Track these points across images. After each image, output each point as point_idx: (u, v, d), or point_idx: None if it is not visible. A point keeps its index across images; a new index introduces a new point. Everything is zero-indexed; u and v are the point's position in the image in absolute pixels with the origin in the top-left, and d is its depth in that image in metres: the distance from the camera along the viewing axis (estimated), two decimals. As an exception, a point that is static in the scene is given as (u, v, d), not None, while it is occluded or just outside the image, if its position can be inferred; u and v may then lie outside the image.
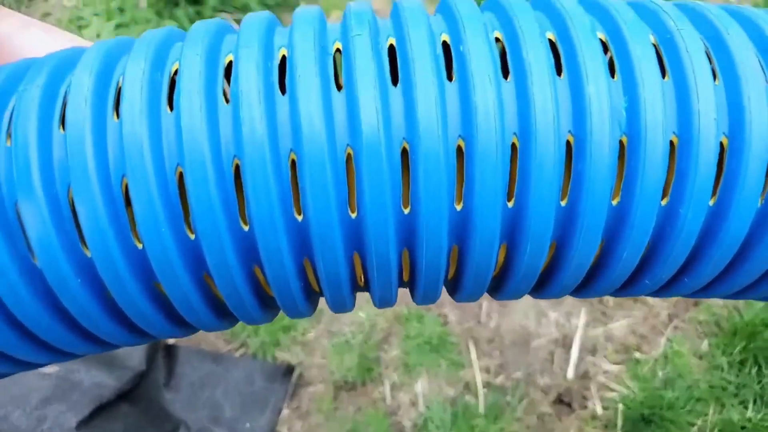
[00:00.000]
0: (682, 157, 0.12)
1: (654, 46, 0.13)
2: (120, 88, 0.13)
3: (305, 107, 0.12)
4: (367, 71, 0.12)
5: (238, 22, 1.11)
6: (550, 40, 0.13)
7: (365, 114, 0.12)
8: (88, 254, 0.13)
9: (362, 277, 0.14)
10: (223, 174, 0.12)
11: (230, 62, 0.13)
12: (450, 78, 0.13)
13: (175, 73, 0.13)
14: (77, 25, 1.06)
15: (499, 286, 0.15)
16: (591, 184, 0.12)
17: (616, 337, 0.89)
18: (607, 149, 0.12)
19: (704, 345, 0.88)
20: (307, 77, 0.12)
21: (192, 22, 1.10)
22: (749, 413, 0.83)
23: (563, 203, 0.13)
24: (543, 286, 0.15)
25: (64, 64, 0.14)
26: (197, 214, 0.12)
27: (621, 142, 0.12)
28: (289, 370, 0.87)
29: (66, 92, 0.13)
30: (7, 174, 0.12)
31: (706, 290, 0.15)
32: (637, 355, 0.88)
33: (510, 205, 0.13)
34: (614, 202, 0.13)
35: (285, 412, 0.86)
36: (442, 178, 0.12)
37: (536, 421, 0.85)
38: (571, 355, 0.88)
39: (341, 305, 0.15)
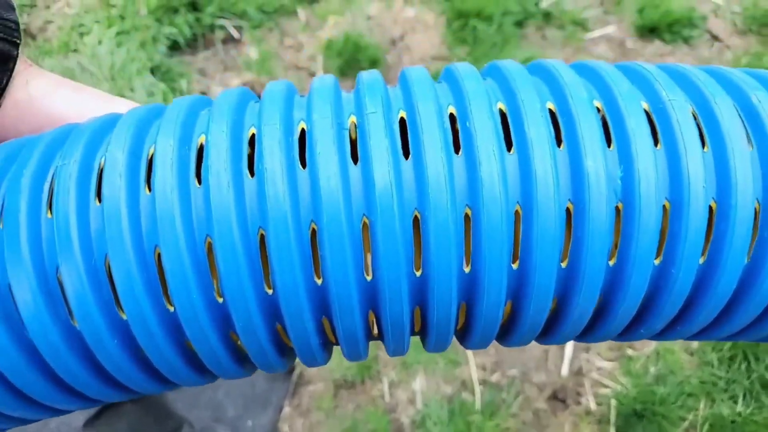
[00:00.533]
0: (674, 220, 0.13)
1: (647, 113, 0.14)
2: (151, 161, 0.14)
3: (325, 182, 0.13)
4: (380, 147, 0.13)
5: (237, 28, 1.13)
6: (550, 110, 0.14)
7: (380, 186, 0.13)
8: (124, 317, 0.14)
9: (377, 330, 0.15)
10: (249, 244, 0.13)
11: (253, 134, 0.14)
12: (457, 151, 0.14)
13: (202, 146, 0.14)
14: (79, 33, 1.08)
15: (506, 336, 0.16)
16: (589, 248, 0.13)
17: (609, 335, 0.91)
18: (604, 216, 0.13)
19: (695, 342, 0.91)
20: (326, 154, 0.13)
21: (192, 28, 1.11)
22: (739, 407, 0.85)
23: (564, 265, 0.14)
24: (546, 335, 0.16)
25: (98, 136, 0.15)
26: (225, 281, 0.13)
27: (617, 208, 0.13)
28: (290, 369, 0.89)
29: (101, 166, 0.14)
30: (49, 243, 0.13)
31: (700, 335, 0.16)
32: (630, 352, 0.90)
33: (515, 266, 0.14)
34: (611, 263, 0.14)
35: (286, 410, 0.88)
36: (450, 244, 0.13)
37: (531, 417, 0.87)
38: (566, 353, 0.90)
39: (357, 356, 0.16)
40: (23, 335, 0.14)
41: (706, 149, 0.14)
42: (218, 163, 0.13)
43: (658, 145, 0.14)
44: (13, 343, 0.14)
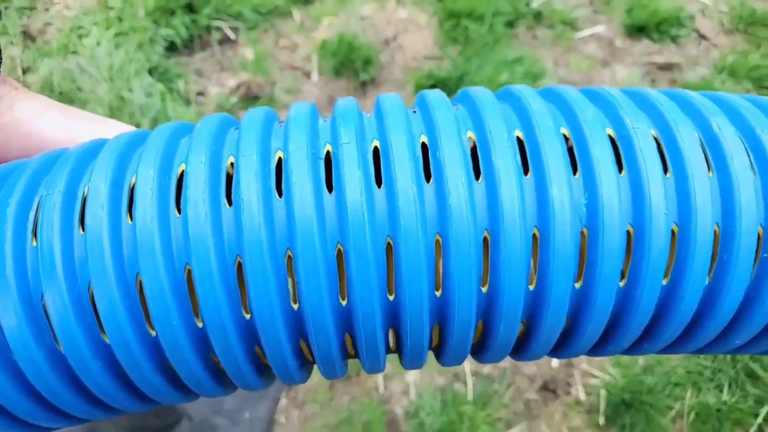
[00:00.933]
0: (638, 244, 0.14)
1: (611, 139, 0.15)
2: (133, 190, 0.15)
3: (299, 210, 0.13)
4: (354, 176, 0.14)
5: (233, 29, 1.15)
6: (517, 137, 0.15)
7: (353, 215, 0.14)
8: (107, 341, 0.14)
9: (353, 350, 0.16)
10: (227, 271, 0.14)
11: (232, 163, 0.15)
12: (428, 179, 0.14)
13: (182, 174, 0.15)
14: (77, 35, 1.10)
15: (479, 353, 0.17)
16: (555, 272, 0.14)
17: (598, 327, 0.93)
18: (569, 242, 0.14)
19: (682, 332, 0.93)
20: (301, 183, 0.14)
21: (188, 30, 1.13)
22: (724, 396, 0.87)
23: (532, 287, 0.14)
24: (518, 352, 0.17)
25: (82, 165, 0.15)
26: (204, 307, 0.14)
27: (582, 233, 0.14)
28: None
29: (85, 195, 0.14)
30: (34, 271, 0.14)
31: (667, 350, 0.17)
32: (618, 343, 0.92)
33: (484, 290, 0.14)
34: (577, 286, 0.14)
35: (283, 401, 0.90)
36: (422, 269, 0.14)
37: (522, 407, 0.89)
38: (556, 344, 0.92)
39: (333, 375, 0.17)
40: (9, 358, 0.14)
41: (668, 175, 0.14)
42: (196, 193, 0.14)
43: (622, 172, 0.14)
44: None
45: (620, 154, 0.14)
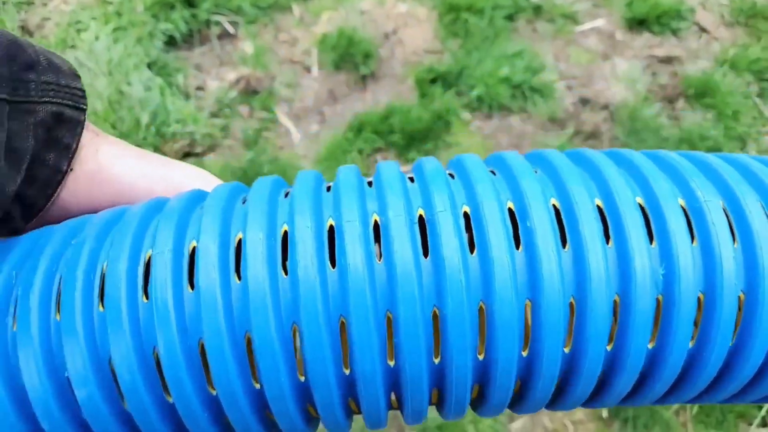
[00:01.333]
0: (708, 310, 0.15)
1: (683, 210, 0.16)
2: (239, 249, 0.16)
3: (402, 275, 0.15)
4: (451, 243, 0.15)
5: (232, 24, 1.14)
6: (598, 207, 0.16)
7: (450, 277, 0.15)
8: (214, 393, 0.15)
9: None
10: (332, 330, 0.15)
11: (331, 226, 0.16)
12: (518, 246, 0.15)
13: (285, 235, 0.16)
14: (76, 29, 1.10)
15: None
16: (634, 334, 0.15)
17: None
18: (648, 307, 0.15)
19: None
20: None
21: (188, 24, 1.13)
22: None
23: (609, 348, 0.16)
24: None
25: (185, 220, 0.16)
26: (310, 363, 0.15)
27: (658, 300, 0.15)
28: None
29: (191, 252, 0.16)
30: (147, 325, 0.15)
31: (714, 399, 0.19)
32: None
33: (567, 350, 0.16)
34: (650, 346, 0.16)
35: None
36: (514, 331, 0.15)
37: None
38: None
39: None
40: (121, 407, 0.15)
41: (736, 245, 0.15)
42: (306, 256, 0.15)
43: (695, 242, 0.15)
44: (111, 413, 0.15)
45: (692, 226, 0.15)
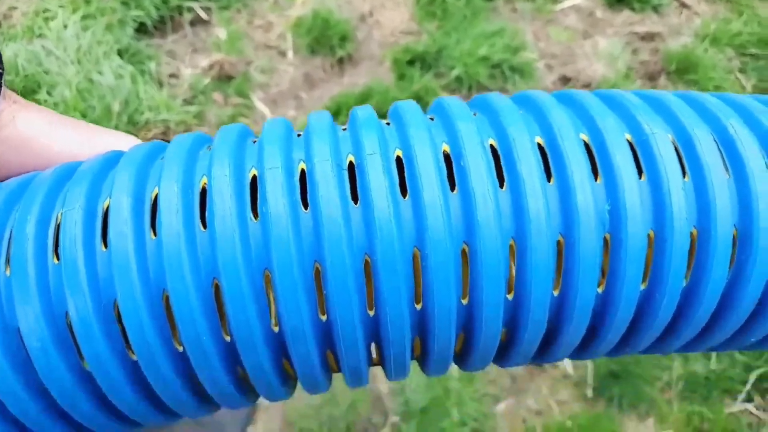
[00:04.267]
0: (658, 248, 0.14)
1: (630, 145, 0.15)
2: (155, 204, 0.14)
3: (328, 220, 0.14)
4: (380, 186, 0.14)
5: (205, 9, 1.12)
6: (538, 144, 0.15)
7: (381, 225, 0.14)
8: (133, 356, 0.14)
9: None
10: (255, 285, 0.14)
11: (254, 176, 0.15)
12: (453, 189, 0.14)
13: (204, 188, 0.15)
14: (43, 18, 1.07)
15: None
16: (581, 277, 0.14)
17: (584, 299, 0.92)
18: (594, 247, 0.14)
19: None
20: (328, 195, 0.14)
21: (159, 10, 1.10)
22: (712, 365, 0.86)
23: (556, 293, 0.15)
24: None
25: (100, 179, 0.15)
26: (233, 321, 0.14)
27: (605, 239, 0.14)
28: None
29: (105, 210, 0.15)
30: (57, 288, 0.14)
31: (687, 348, 0.18)
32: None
33: (510, 297, 0.15)
34: (600, 290, 0.15)
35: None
36: (450, 278, 0.14)
37: (509, 383, 0.87)
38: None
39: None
40: (33, 378, 0.14)
41: (686, 179, 0.14)
42: (223, 207, 0.14)
43: (642, 177, 0.14)
44: (21, 385, 0.14)
45: (639, 159, 0.15)
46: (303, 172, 0.15)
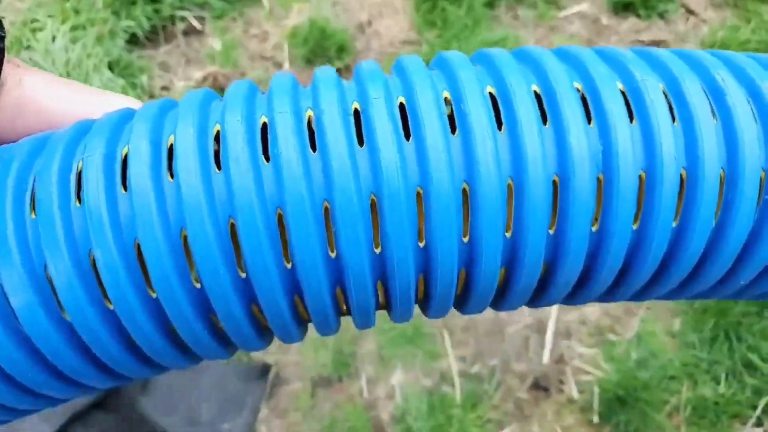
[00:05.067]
0: (649, 189, 0.15)
1: (622, 93, 0.15)
2: (171, 150, 0.15)
3: (336, 161, 0.14)
4: (385, 130, 0.15)
5: (198, 19, 1.08)
6: (536, 92, 0.16)
7: (386, 166, 0.14)
8: (111, 307, 0.15)
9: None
10: (269, 222, 0.14)
11: (265, 123, 0.15)
12: (453, 131, 0.15)
13: (218, 134, 0.15)
14: (31, 28, 1.03)
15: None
16: (576, 216, 0.15)
17: (589, 320, 0.90)
18: (588, 187, 0.14)
19: (676, 324, 0.89)
20: (335, 138, 0.14)
21: (150, 20, 1.07)
22: (721, 389, 0.84)
23: (552, 231, 0.15)
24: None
25: (118, 130, 0.16)
26: (248, 258, 0.14)
27: (598, 179, 0.15)
28: (265, 369, 0.86)
29: (124, 156, 0.15)
30: (82, 230, 0.14)
31: (675, 294, 0.18)
32: (611, 337, 0.89)
33: (508, 235, 0.15)
34: (594, 229, 0.15)
35: (263, 411, 0.86)
36: (452, 218, 0.14)
37: (513, 408, 0.85)
38: (546, 340, 0.88)
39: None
40: (60, 316, 0.15)
41: (676, 123, 0.15)
42: (236, 149, 0.14)
43: (633, 122, 0.15)
44: (51, 323, 0.15)
45: (630, 105, 0.15)
46: (310, 119, 0.15)
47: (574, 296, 0.17)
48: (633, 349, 0.87)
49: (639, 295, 0.18)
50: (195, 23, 1.09)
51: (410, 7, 1.11)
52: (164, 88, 1.04)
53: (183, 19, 1.09)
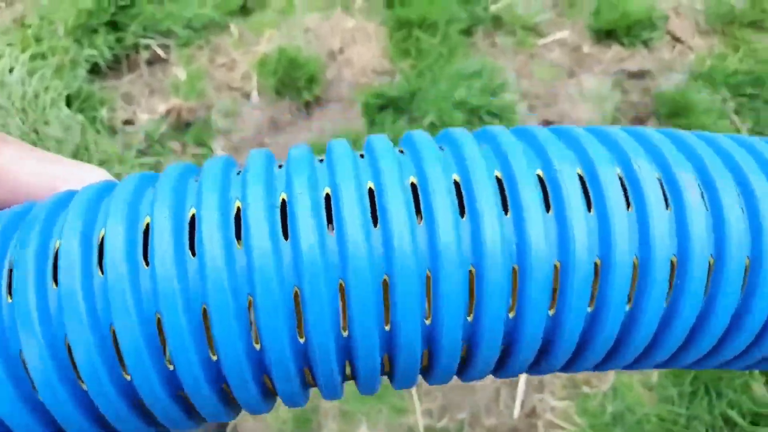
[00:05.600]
0: (564, 277, 0.15)
1: (540, 179, 0.16)
2: (101, 244, 0.15)
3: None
4: (307, 224, 0.15)
5: (163, 47, 1.04)
6: (456, 182, 0.16)
7: (306, 256, 0.15)
8: (84, 387, 0.15)
9: (312, 380, 0.17)
10: (193, 318, 0.15)
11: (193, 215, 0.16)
12: (375, 224, 0.15)
13: (147, 227, 0.15)
14: (-12, 59, 1.00)
15: (427, 376, 0.18)
16: (490, 304, 0.15)
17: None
18: (501, 277, 0.15)
19: (654, 376, 0.85)
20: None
21: (112, 49, 1.03)
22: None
23: (469, 319, 0.16)
24: (462, 374, 0.18)
25: (52, 220, 0.16)
26: (173, 353, 0.15)
27: (513, 269, 0.15)
28: (222, 425, 0.83)
29: (56, 250, 0.15)
30: (11, 326, 0.15)
31: (601, 367, 0.19)
32: (586, 389, 0.85)
33: (427, 322, 0.16)
34: (511, 315, 0.16)
35: (220, 469, 0.82)
36: (371, 305, 0.15)
37: (483, 465, 0.82)
38: (518, 393, 0.85)
39: (295, 404, 0.18)
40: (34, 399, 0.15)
41: (591, 212, 0.15)
42: (162, 248, 0.15)
43: (550, 211, 0.15)
44: (21, 403, 0.15)
45: (548, 195, 0.16)
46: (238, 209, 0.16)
47: (497, 371, 0.18)
48: (608, 402, 0.84)
49: (565, 369, 0.19)
50: (159, 51, 1.05)
51: (383, 35, 1.07)
52: (127, 122, 1.00)
53: (147, 47, 1.05)
